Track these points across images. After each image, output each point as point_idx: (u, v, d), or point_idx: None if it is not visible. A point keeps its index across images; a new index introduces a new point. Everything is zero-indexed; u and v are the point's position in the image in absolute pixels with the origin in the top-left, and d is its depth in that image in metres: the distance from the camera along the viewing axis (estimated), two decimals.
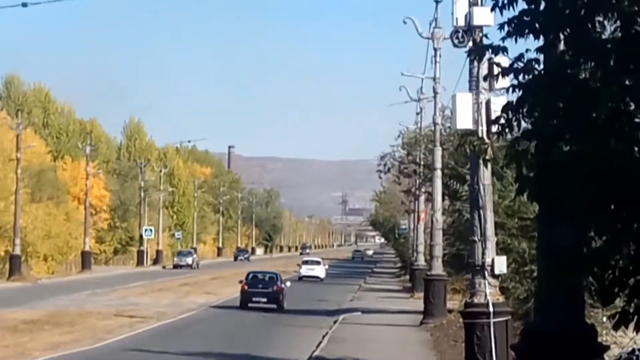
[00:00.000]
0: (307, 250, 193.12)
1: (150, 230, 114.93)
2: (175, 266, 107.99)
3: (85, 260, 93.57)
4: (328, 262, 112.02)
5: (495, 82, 12.60)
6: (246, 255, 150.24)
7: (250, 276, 53.33)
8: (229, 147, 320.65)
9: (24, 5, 40.74)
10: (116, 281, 75.62)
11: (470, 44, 18.65)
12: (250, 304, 50.96)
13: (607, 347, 13.16)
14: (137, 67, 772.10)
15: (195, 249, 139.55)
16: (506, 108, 10.43)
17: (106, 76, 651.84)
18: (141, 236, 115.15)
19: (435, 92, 44.23)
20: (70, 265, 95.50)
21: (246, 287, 51.54)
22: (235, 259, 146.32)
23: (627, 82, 9.55)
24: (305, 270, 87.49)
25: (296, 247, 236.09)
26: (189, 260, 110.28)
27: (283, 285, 53.18)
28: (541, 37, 10.29)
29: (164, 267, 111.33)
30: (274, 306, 50.73)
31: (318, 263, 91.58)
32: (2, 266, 78.34)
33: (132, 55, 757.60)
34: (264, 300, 51.27)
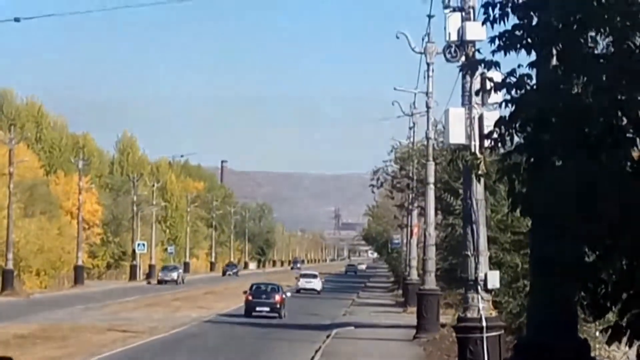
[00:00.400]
0: (299, 265, 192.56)
1: (143, 244, 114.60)
2: (160, 281, 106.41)
3: (78, 275, 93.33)
4: (321, 276, 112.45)
5: (487, 97, 12.64)
6: (234, 270, 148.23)
7: (254, 287, 57.54)
8: (222, 161, 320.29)
9: (17, 20, 40.76)
10: (109, 296, 75.48)
11: (463, 58, 18.68)
12: (254, 313, 54.90)
13: None
14: (130, 81, 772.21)
15: (187, 264, 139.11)
16: (499, 123, 10.45)
17: (99, 90, 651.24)
18: (134, 251, 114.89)
19: (427, 107, 44.26)
20: (62, 280, 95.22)
21: (250, 298, 55.93)
22: (224, 274, 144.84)
23: (619, 97, 9.57)
24: (303, 283, 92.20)
25: (289, 262, 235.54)
26: (174, 275, 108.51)
27: (284, 296, 57.24)
28: (533, 52, 10.32)
29: (148, 283, 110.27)
30: (276, 315, 54.85)
31: (315, 277, 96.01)
32: None
33: (125, 69, 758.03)
34: (267, 309, 55.25)
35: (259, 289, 57.59)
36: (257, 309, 55.24)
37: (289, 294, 59.96)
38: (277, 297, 56.00)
